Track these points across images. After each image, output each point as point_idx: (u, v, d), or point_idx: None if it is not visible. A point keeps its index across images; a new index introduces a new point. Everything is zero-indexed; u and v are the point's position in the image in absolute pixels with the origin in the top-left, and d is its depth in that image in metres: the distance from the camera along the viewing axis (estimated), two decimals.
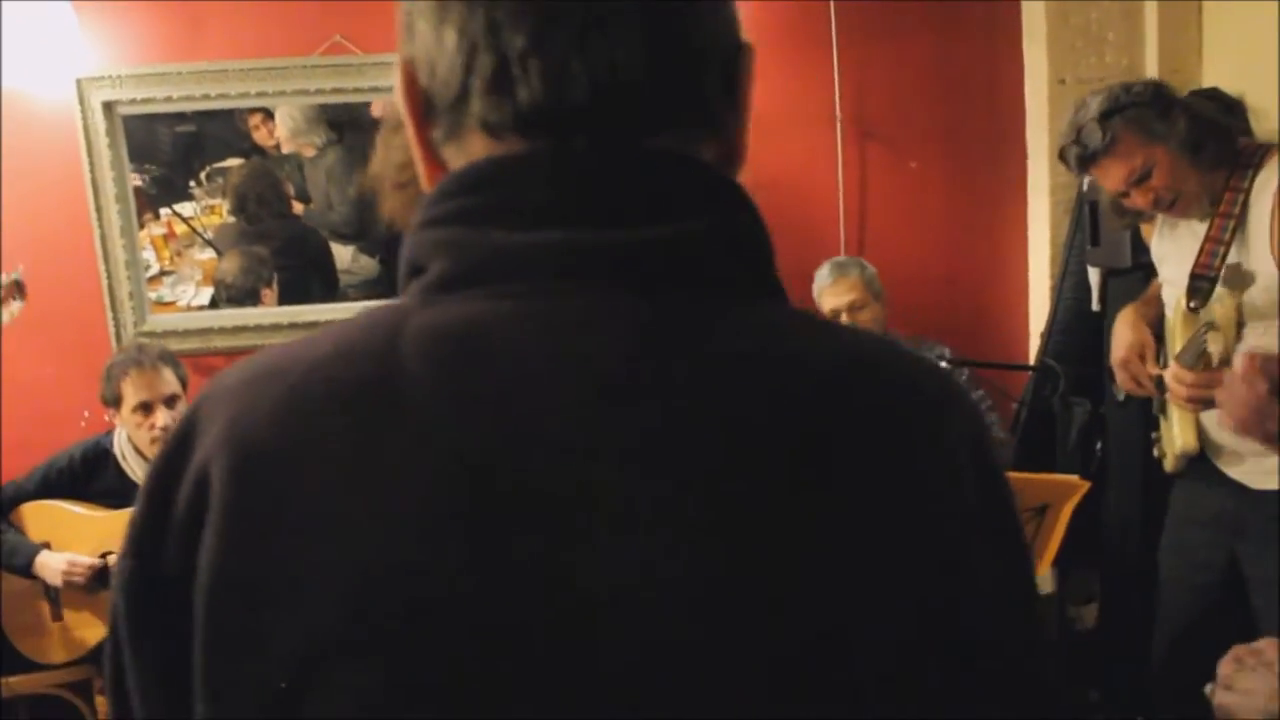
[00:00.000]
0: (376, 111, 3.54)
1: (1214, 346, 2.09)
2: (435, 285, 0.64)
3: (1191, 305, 2.24)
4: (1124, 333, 2.50)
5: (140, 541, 0.66)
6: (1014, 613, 0.66)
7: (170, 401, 3.00)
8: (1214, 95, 2.97)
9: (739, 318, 0.64)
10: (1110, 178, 2.27)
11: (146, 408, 2.97)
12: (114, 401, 3.01)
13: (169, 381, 3.00)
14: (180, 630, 0.62)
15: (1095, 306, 3.18)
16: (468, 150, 0.66)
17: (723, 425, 0.59)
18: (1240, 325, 2.10)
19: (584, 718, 0.57)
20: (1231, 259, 2.19)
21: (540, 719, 0.57)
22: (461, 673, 0.57)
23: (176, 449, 0.65)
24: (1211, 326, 2.11)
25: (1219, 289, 2.17)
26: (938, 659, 0.61)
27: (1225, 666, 1.67)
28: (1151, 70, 3.35)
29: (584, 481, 0.58)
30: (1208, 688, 1.66)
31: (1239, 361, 1.87)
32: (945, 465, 0.63)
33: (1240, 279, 2.13)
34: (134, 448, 3.06)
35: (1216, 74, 3.21)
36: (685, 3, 0.65)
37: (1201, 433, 2.34)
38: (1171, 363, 2.26)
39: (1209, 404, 2.13)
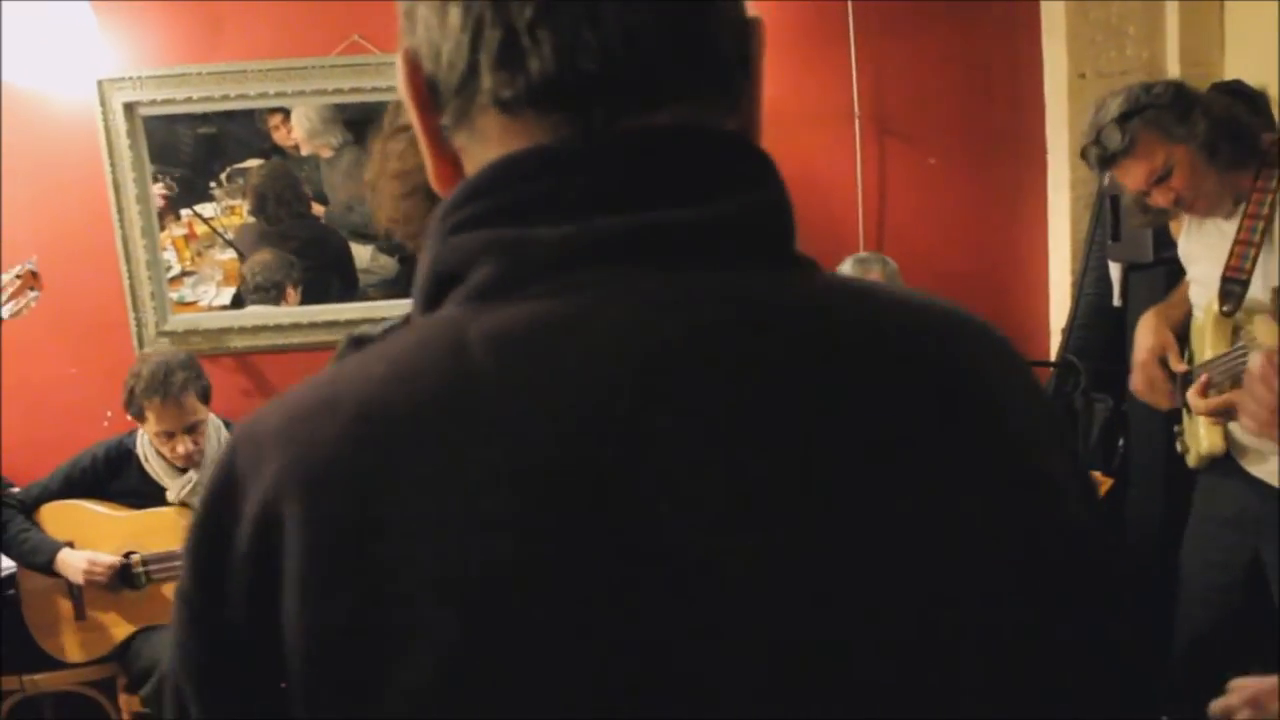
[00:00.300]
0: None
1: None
2: (486, 290, 0.60)
3: (1225, 309, 2.23)
4: (1145, 335, 2.48)
5: (197, 611, 0.63)
6: (1100, 528, 0.68)
7: (192, 428, 3.02)
8: (1236, 88, 2.94)
9: (801, 286, 0.63)
10: (1131, 178, 2.27)
11: (169, 434, 3.00)
12: (137, 417, 3.04)
13: (191, 411, 3.01)
14: (254, 690, 0.61)
15: (1117, 302, 3.16)
16: (480, 133, 0.63)
17: (819, 399, 0.58)
18: None
19: (716, 713, 0.55)
20: (1263, 261, 2.18)
21: (678, 717, 0.55)
22: (604, 687, 0.54)
23: (220, 504, 0.61)
24: (1253, 347, 2.09)
25: (1262, 317, 2.14)
26: (1057, 583, 0.62)
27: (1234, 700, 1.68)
28: (1173, 63, 3.32)
29: (695, 471, 0.56)
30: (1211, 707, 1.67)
31: (1256, 361, 1.84)
32: (1029, 412, 0.66)
33: None
34: (156, 449, 3.08)
35: (1239, 66, 3.18)
36: None
37: (1226, 432, 2.32)
38: (1201, 374, 2.25)
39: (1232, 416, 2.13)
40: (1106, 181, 3.08)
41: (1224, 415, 2.21)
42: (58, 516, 3.10)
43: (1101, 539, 0.67)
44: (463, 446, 0.56)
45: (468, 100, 0.63)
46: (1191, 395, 2.25)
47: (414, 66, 0.65)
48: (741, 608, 0.55)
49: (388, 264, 3.70)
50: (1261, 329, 2.12)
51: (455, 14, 0.61)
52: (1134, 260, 3.03)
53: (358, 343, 1.29)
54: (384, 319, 1.40)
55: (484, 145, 0.63)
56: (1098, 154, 2.27)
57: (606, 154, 0.61)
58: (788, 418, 0.58)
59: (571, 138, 0.61)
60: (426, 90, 0.65)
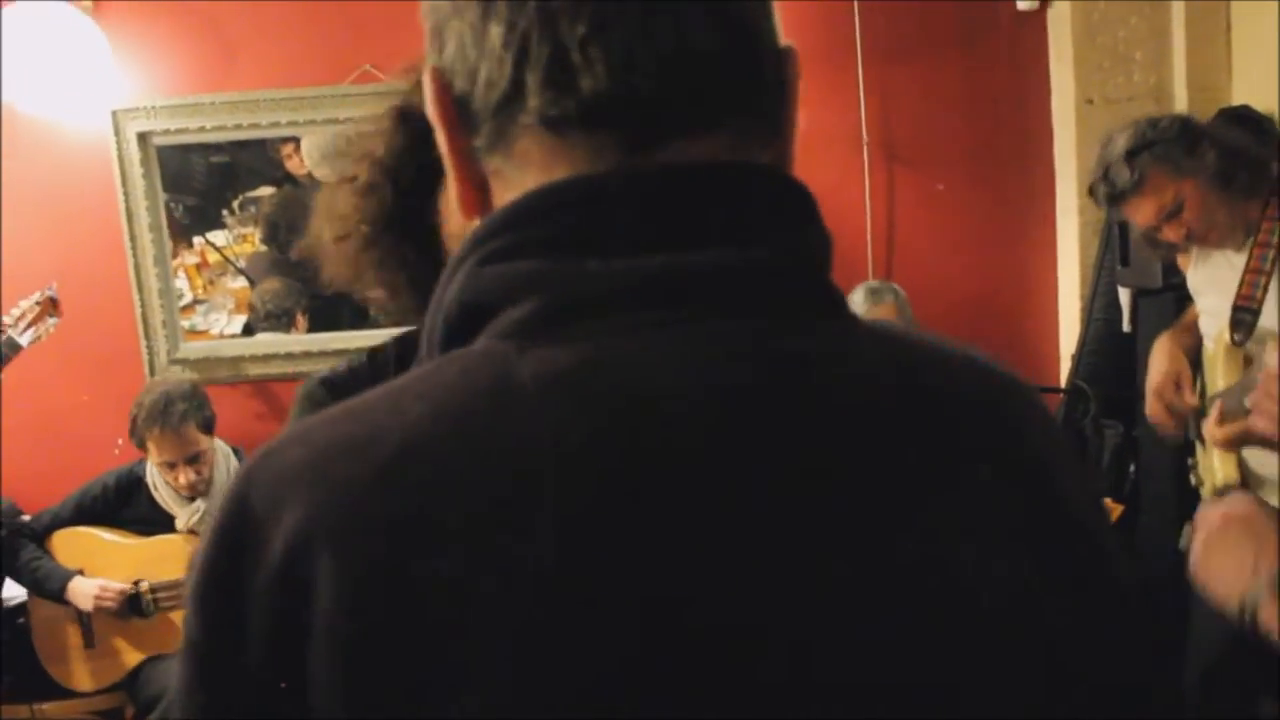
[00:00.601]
0: None
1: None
2: (530, 326, 0.57)
3: (1236, 339, 2.22)
4: (1160, 361, 2.46)
5: (207, 660, 0.58)
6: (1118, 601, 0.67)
7: (194, 459, 3.03)
8: (1243, 113, 2.95)
9: (846, 336, 0.62)
10: (1141, 214, 2.25)
11: (170, 464, 3.02)
12: (140, 446, 3.06)
13: (192, 442, 3.03)
14: None
15: (1126, 327, 3.16)
16: (520, 156, 0.60)
17: (873, 462, 0.57)
18: None
19: None
20: (1274, 290, 2.17)
21: None
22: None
23: (235, 549, 0.57)
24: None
25: (1274, 342, 2.12)
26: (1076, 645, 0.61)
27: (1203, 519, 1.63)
28: (1180, 89, 3.33)
29: (750, 535, 0.54)
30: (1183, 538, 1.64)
31: (1272, 359, 1.79)
32: (1070, 471, 0.65)
33: None
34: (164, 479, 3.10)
35: (1246, 91, 3.18)
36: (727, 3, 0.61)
37: (1241, 463, 2.31)
38: (1214, 404, 2.23)
39: (1248, 443, 2.11)
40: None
41: (1240, 443, 2.19)
42: (68, 544, 3.11)
43: (1132, 588, 0.67)
44: (511, 497, 0.53)
45: (508, 121, 0.60)
46: (1208, 426, 2.23)
47: (443, 86, 0.63)
48: (782, 676, 0.54)
49: None
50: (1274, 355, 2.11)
51: (497, 31, 0.59)
52: (1143, 286, 3.03)
53: (328, 384, 1.27)
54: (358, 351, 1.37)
55: (523, 169, 0.61)
56: (1106, 191, 2.25)
57: (653, 187, 0.59)
58: (843, 485, 0.56)
59: (617, 167, 0.59)
60: (456, 110, 0.62)
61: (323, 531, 0.54)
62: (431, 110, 0.64)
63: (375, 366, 1.28)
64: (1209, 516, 1.58)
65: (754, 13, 0.62)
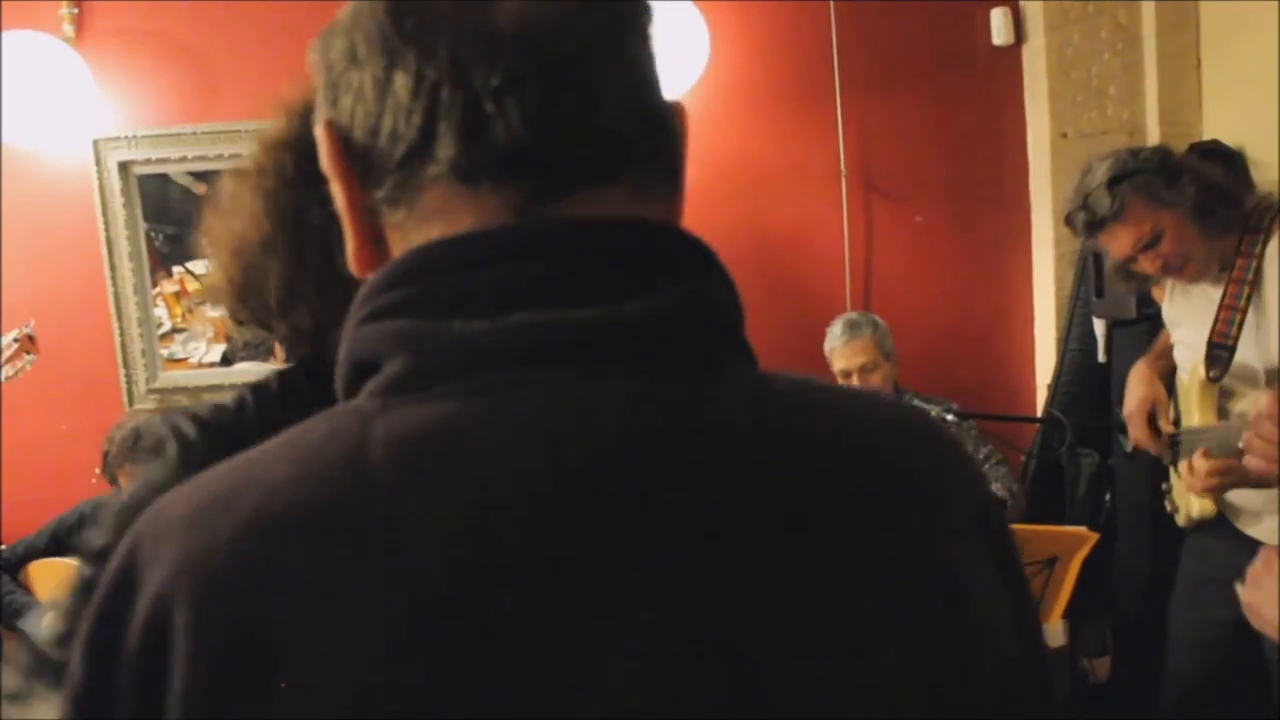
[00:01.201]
0: None
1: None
2: (394, 385, 0.58)
3: (1211, 375, 2.23)
4: (1136, 387, 2.49)
5: (84, 702, 0.58)
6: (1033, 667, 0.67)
7: None
8: (1214, 147, 2.99)
9: (730, 394, 0.60)
10: (1118, 244, 2.26)
11: None
12: (112, 481, 3.05)
13: None
14: None
15: (1101, 358, 3.19)
16: (423, 209, 0.60)
17: (735, 519, 0.56)
18: None
19: None
20: (1249, 326, 2.19)
21: None
22: None
23: (116, 595, 0.57)
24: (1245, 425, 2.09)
25: (1257, 392, 2.13)
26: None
27: (1254, 568, 1.64)
28: (1152, 123, 3.38)
29: (583, 601, 0.53)
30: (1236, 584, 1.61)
31: (1267, 401, 1.78)
32: (963, 541, 0.63)
33: None
34: None
35: (1216, 126, 3.24)
36: (643, 51, 0.62)
37: (1218, 496, 2.32)
38: (1191, 444, 2.26)
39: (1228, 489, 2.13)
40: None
41: (1224, 489, 2.22)
42: (43, 574, 3.09)
43: (1029, 666, 0.66)
44: (350, 564, 0.53)
45: (414, 173, 0.60)
46: (1185, 474, 2.25)
47: (339, 139, 0.62)
48: None
49: None
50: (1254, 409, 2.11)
51: (403, 82, 0.59)
52: (1118, 317, 3.06)
53: (204, 426, 1.12)
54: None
55: (426, 223, 0.60)
56: (1085, 219, 2.25)
57: (543, 243, 0.58)
58: (704, 544, 0.55)
59: (513, 222, 0.58)
60: (353, 165, 0.62)
61: (183, 586, 0.55)
62: (327, 165, 0.63)
63: (260, 406, 1.13)
64: (1265, 557, 1.59)
65: (652, 67, 0.63)
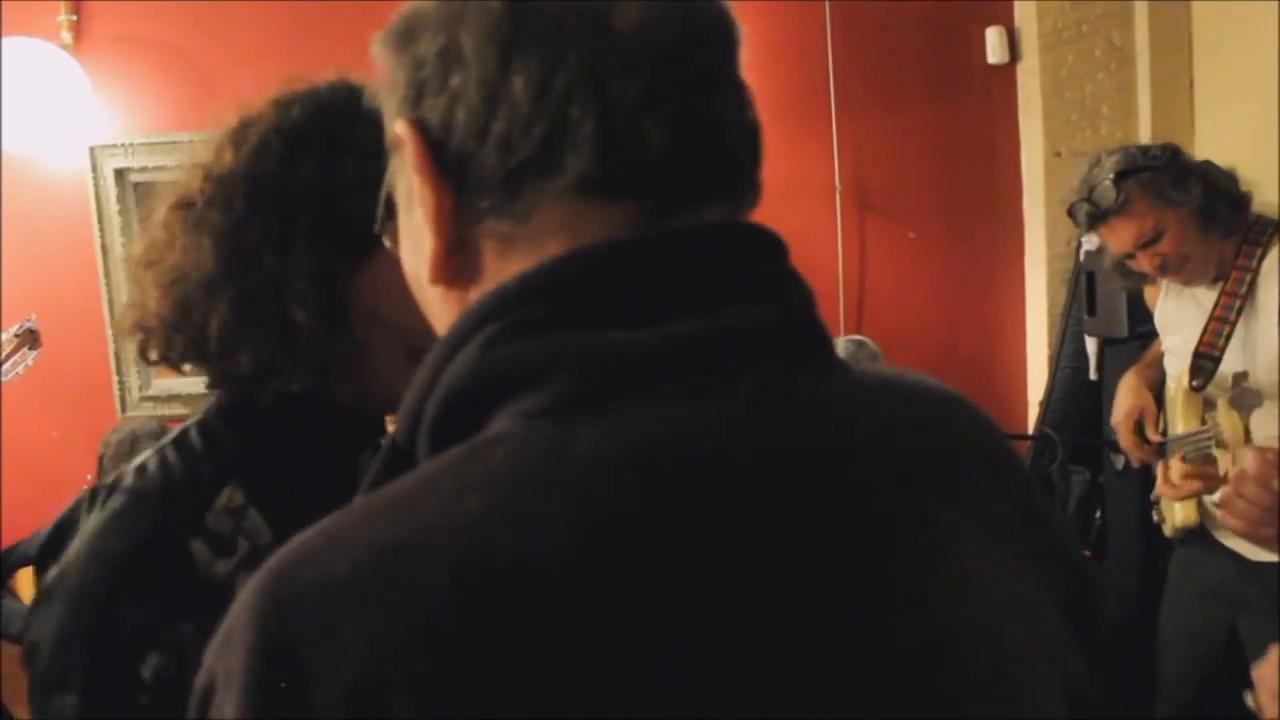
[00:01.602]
0: None
1: (1222, 463, 2.11)
2: (567, 404, 0.53)
3: (1194, 384, 2.24)
4: (1125, 397, 2.50)
5: None
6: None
7: None
8: (1206, 167, 3.00)
9: (851, 384, 0.63)
10: (1119, 238, 2.26)
11: None
12: None
13: None
14: None
15: (1093, 375, 3.20)
16: (540, 220, 0.56)
17: (910, 497, 0.58)
18: (1248, 441, 2.06)
19: None
20: (1237, 337, 2.20)
21: None
22: None
23: (275, 686, 0.47)
24: (1219, 442, 2.10)
25: (1223, 403, 2.14)
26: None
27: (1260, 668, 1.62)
28: (1145, 143, 3.39)
29: (835, 611, 0.52)
30: (1246, 695, 1.61)
31: (1251, 460, 1.73)
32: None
33: (1249, 399, 2.10)
34: None
35: (1208, 147, 3.25)
36: (739, 68, 0.62)
37: (1201, 505, 2.34)
38: (1173, 456, 2.27)
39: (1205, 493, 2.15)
40: (1083, 256, 3.13)
41: (1196, 493, 2.23)
42: (32, 582, 3.07)
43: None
44: (605, 606, 0.48)
45: (525, 183, 0.56)
46: (1160, 482, 2.27)
47: (433, 144, 0.58)
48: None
49: None
50: (1224, 417, 2.13)
51: (522, 86, 0.55)
52: (1110, 335, 3.07)
53: (144, 498, 0.98)
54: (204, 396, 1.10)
55: (541, 235, 0.57)
56: (1089, 210, 2.24)
57: (671, 250, 0.56)
58: (900, 536, 0.56)
59: (636, 233, 0.56)
60: (443, 168, 0.58)
61: (401, 659, 0.46)
62: (414, 167, 0.59)
63: (188, 464, 1.01)
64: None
65: (745, 84, 0.63)
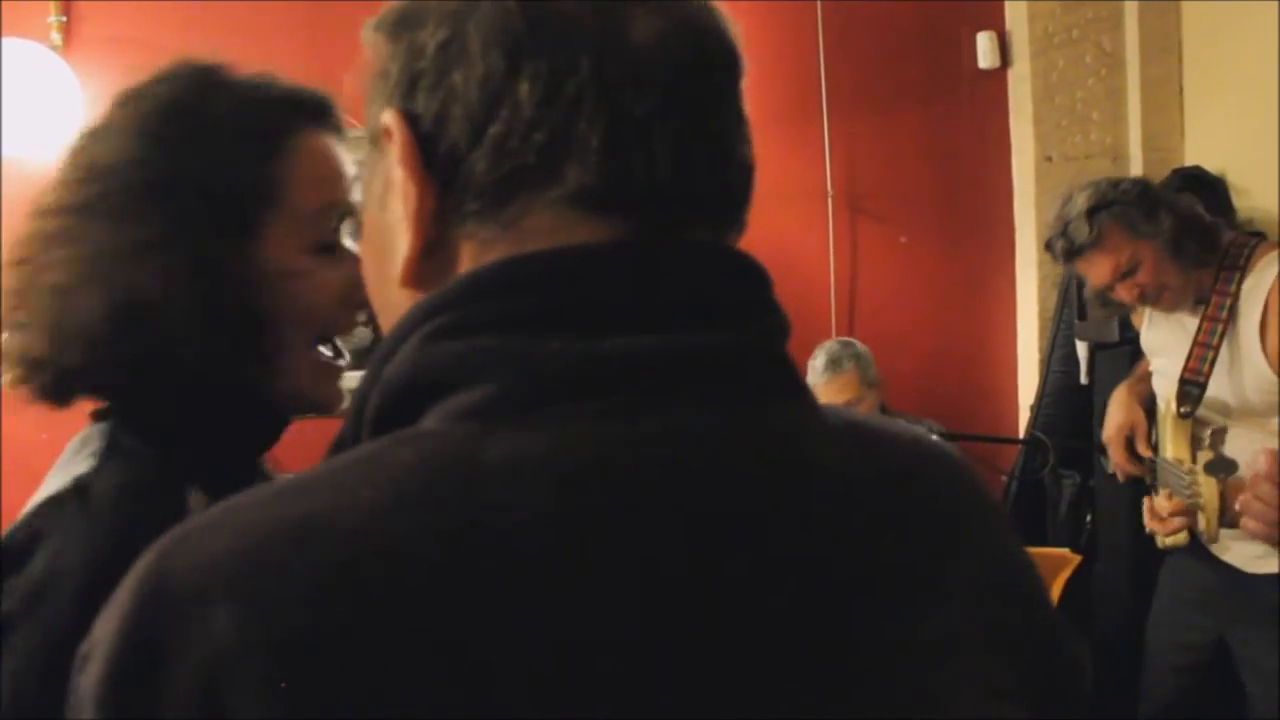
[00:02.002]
0: None
1: (1200, 525, 2.13)
2: (489, 409, 0.51)
3: (1182, 411, 2.26)
4: (1115, 413, 2.52)
5: None
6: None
7: None
8: (1196, 174, 3.02)
9: (817, 418, 0.60)
10: (1096, 271, 2.29)
11: None
12: None
13: None
14: None
15: (1083, 380, 3.21)
16: (528, 228, 0.54)
17: (860, 549, 0.55)
18: (1224, 510, 2.07)
19: None
20: (1221, 361, 2.22)
21: None
22: None
23: (140, 650, 0.46)
24: (1197, 506, 2.12)
25: (1202, 468, 2.16)
26: None
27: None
28: (1135, 148, 3.41)
29: (748, 645, 0.50)
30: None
31: (1264, 460, 1.71)
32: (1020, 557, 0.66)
33: (1224, 467, 2.11)
34: None
35: (1198, 153, 3.27)
36: (743, 107, 0.61)
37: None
38: (1161, 488, 2.30)
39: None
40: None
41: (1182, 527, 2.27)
42: None
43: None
44: (492, 607, 0.46)
45: (518, 190, 0.54)
46: (1149, 519, 2.30)
47: (415, 136, 0.56)
48: None
49: (363, 334, 3.69)
50: (1203, 481, 2.12)
51: (528, 91, 0.53)
52: (1100, 340, 3.09)
53: (81, 490, 0.89)
54: None
55: (522, 241, 0.55)
56: (1064, 246, 2.29)
57: (648, 263, 0.54)
58: (829, 578, 0.53)
59: (600, 246, 0.54)
60: (429, 166, 0.56)
61: (257, 642, 0.45)
62: (400, 160, 0.56)
63: (163, 470, 0.92)
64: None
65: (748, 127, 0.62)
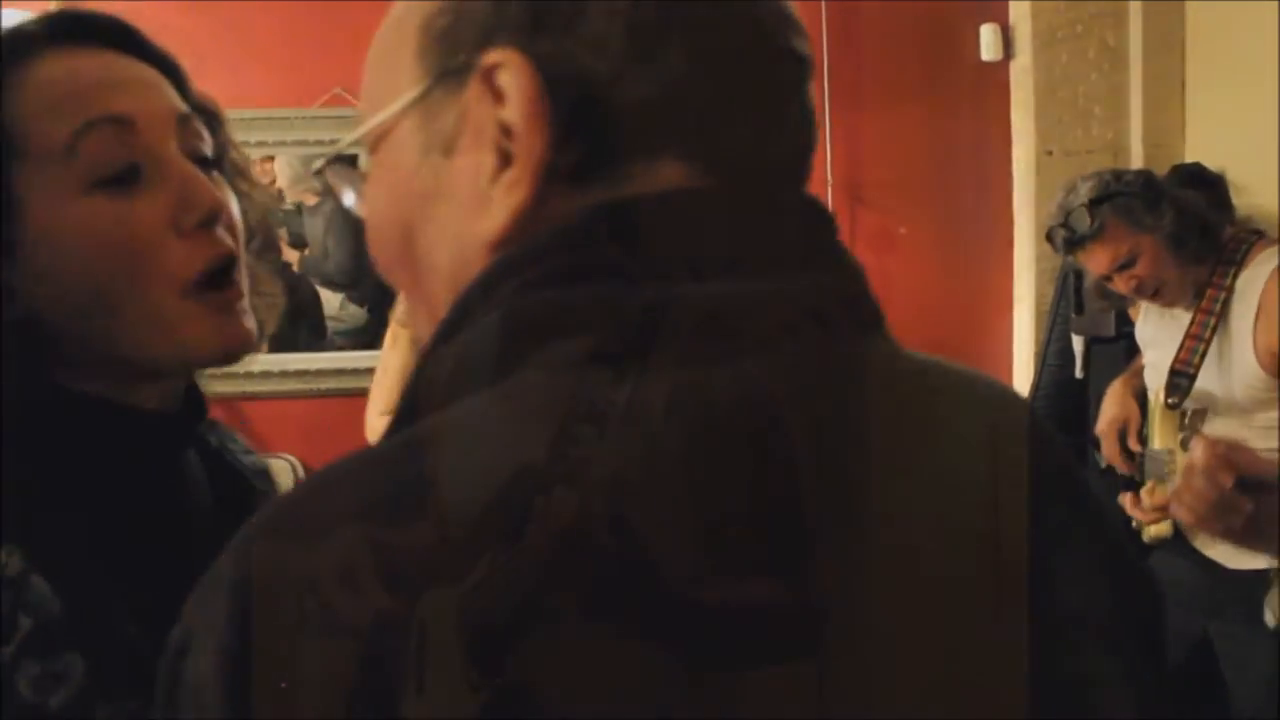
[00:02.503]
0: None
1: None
2: (591, 358, 0.48)
3: (1170, 401, 2.28)
4: (1109, 407, 2.54)
5: None
6: None
7: None
8: (1197, 171, 3.02)
9: (898, 353, 0.61)
10: (1095, 262, 2.30)
11: None
12: None
13: None
14: None
15: (1079, 374, 3.21)
16: (626, 187, 0.52)
17: (986, 470, 0.56)
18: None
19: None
20: (1212, 354, 2.23)
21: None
22: None
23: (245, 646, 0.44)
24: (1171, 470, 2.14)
25: (1180, 453, 2.19)
26: None
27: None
28: (1136, 143, 3.41)
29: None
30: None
31: (1199, 451, 1.70)
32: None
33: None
34: None
35: (1199, 150, 3.27)
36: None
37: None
38: (1148, 480, 2.32)
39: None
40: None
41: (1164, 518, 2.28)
42: None
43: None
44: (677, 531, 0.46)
45: (642, 148, 0.52)
46: (1129, 505, 2.30)
47: (556, 83, 0.51)
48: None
49: (356, 313, 3.70)
50: (1183, 464, 2.14)
51: (677, 56, 0.52)
52: (1096, 334, 3.09)
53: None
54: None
55: (609, 188, 0.52)
56: (1065, 236, 2.30)
57: (741, 208, 0.54)
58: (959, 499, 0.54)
59: (705, 192, 0.53)
60: (568, 118, 0.51)
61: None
62: (526, 113, 0.51)
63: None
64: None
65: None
